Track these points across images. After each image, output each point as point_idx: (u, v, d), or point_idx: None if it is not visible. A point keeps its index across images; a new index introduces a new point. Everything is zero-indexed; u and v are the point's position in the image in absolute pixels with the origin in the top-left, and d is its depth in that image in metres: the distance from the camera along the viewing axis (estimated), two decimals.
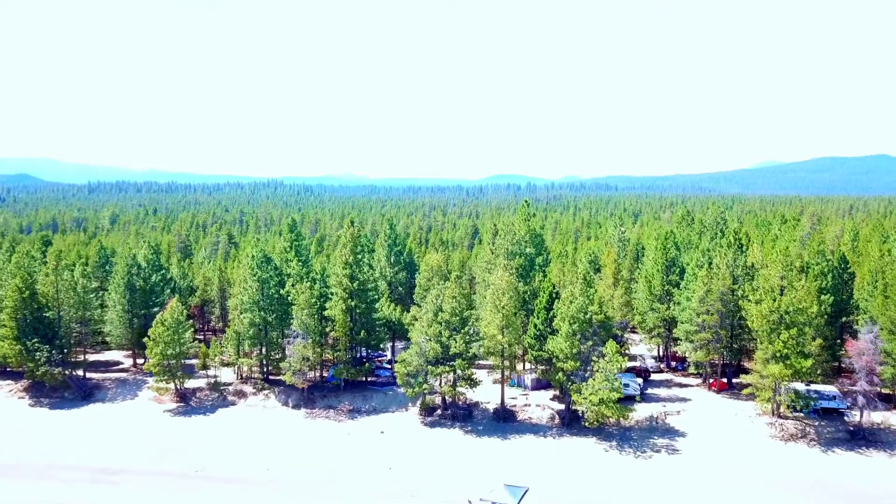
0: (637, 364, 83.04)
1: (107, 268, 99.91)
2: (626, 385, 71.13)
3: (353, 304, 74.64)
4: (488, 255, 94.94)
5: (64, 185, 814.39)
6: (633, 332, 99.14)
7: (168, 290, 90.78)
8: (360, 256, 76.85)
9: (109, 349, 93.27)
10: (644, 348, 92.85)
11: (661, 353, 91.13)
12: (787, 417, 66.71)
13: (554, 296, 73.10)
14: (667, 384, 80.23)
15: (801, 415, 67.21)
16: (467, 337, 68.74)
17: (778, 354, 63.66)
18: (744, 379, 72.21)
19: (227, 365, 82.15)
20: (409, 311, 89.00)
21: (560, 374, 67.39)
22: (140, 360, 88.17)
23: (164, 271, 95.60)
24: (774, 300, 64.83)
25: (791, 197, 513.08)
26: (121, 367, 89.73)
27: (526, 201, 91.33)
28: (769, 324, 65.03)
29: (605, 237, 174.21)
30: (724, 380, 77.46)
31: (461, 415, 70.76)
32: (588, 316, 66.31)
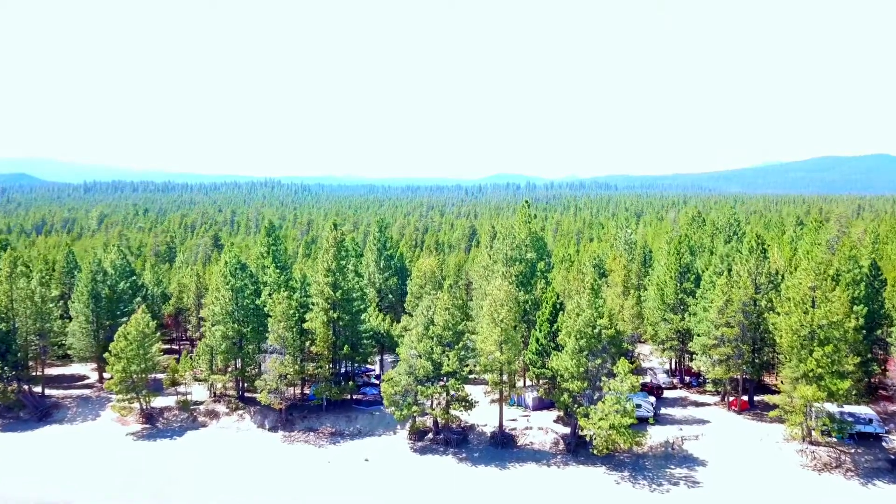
0: (648, 380, 75.90)
1: (76, 273, 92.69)
2: (639, 406, 64.04)
3: (335, 315, 67.52)
4: (486, 259, 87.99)
5: (60, 185, 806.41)
6: (641, 342, 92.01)
7: (138, 299, 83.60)
8: (343, 263, 69.77)
9: (74, 362, 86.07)
10: (655, 361, 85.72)
11: (673, 367, 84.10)
12: (819, 444, 59.61)
13: (558, 307, 66.06)
14: (681, 402, 73.14)
15: (834, 441, 60.14)
16: (462, 353, 61.70)
17: (810, 374, 56.65)
18: (769, 399, 65.25)
19: (200, 381, 74.96)
20: (399, 322, 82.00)
21: (565, 395, 60.32)
22: (107, 375, 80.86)
23: (134, 277, 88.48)
24: (806, 313, 57.80)
25: (794, 196, 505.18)
26: (86, 381, 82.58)
27: (526, 201, 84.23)
28: (800, 339, 58.06)
29: (608, 238, 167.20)
30: (745, 398, 70.40)
31: (455, 440, 63.70)
32: (597, 330, 59.25)
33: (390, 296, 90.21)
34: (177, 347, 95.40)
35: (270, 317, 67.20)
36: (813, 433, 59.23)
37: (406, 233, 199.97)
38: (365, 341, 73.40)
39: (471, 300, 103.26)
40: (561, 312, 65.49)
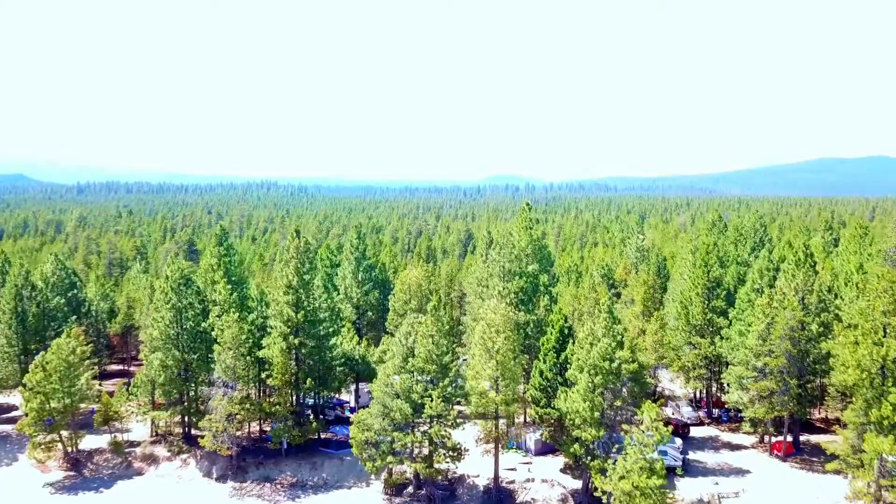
0: (671, 414, 64.36)
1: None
2: (664, 453, 52.39)
3: (296, 341, 55.83)
4: (481, 269, 76.50)
5: (55, 185, 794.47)
6: (661, 367, 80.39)
7: (74, 317, 71.79)
8: (308, 277, 58.10)
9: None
10: (676, 389, 74.04)
11: (697, 396, 72.57)
12: None
13: (566, 332, 54.45)
14: (712, 444, 61.46)
15: None
16: (449, 389, 50.01)
17: (885, 422, 45.13)
18: (820, 442, 53.89)
19: (139, 416, 63.25)
20: (378, 345, 70.49)
21: (576, 445, 48.72)
22: None
23: (75, 291, 76.79)
24: (879, 344, 46.24)
25: (799, 198, 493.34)
26: (12, 414, 70.77)
27: (527, 204, 72.57)
28: (869, 377, 46.53)
29: (615, 243, 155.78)
30: (790, 438, 58.83)
31: (440, 495, 52.01)
32: (615, 364, 47.68)
33: (370, 313, 78.29)
34: (128, 369, 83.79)
35: (219, 343, 55.58)
36: (885, 493, 47.65)
37: (398, 236, 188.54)
38: (337, 369, 61.80)
39: (464, 315, 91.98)
40: (570, 339, 54.02)
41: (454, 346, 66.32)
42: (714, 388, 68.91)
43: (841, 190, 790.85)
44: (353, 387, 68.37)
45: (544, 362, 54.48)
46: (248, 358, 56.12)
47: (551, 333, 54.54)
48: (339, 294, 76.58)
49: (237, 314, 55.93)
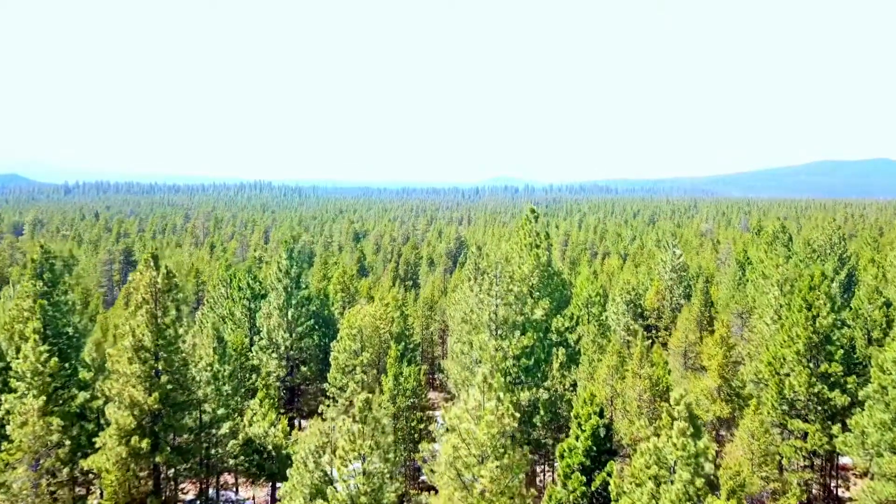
0: None
1: None
2: None
3: (143, 444, 32.91)
4: (467, 299, 53.81)
5: (44, 185, 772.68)
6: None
7: None
8: (172, 332, 35.18)
9: None
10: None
11: None
12: None
13: (603, 438, 31.65)
14: None
15: None
16: None
17: None
18: None
19: None
20: (317, 414, 47.57)
21: None
22: None
23: None
24: None
25: (810, 201, 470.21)
26: None
27: (532, 210, 49.84)
28: None
29: (627, 251, 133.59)
30: None
31: None
32: None
33: (305, 367, 54.67)
34: None
35: (6, 451, 32.64)
36: None
37: (381, 244, 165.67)
38: (236, 467, 39.10)
39: (444, 357, 69.61)
40: (608, 447, 31.30)
41: (423, 435, 43.55)
42: (817, 489, 46.14)
43: (842, 192, 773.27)
44: (268, 487, 45.52)
45: (565, 487, 31.69)
46: (66, 470, 33.32)
47: (578, 438, 31.72)
48: (261, 339, 53.60)
49: (46, 396, 33.00)
